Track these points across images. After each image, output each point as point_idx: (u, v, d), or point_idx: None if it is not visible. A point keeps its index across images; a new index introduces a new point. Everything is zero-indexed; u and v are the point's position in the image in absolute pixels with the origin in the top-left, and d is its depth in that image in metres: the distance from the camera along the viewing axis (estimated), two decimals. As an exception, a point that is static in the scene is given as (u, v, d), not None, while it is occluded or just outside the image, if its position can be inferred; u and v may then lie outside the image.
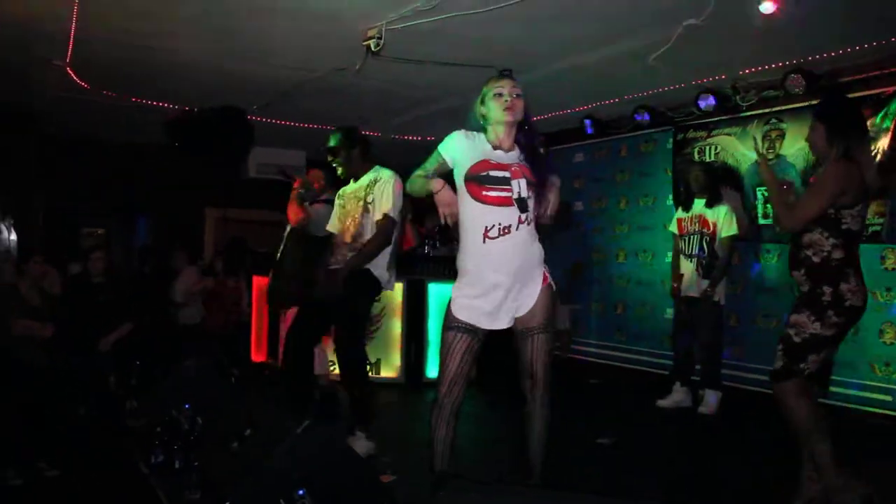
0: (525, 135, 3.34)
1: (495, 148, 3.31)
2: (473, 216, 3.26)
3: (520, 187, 3.22)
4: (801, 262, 3.56)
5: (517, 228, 3.22)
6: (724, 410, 6.07)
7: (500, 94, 3.29)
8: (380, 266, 4.61)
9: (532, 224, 3.28)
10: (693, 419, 6.02)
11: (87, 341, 5.80)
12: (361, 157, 4.82)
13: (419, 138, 9.39)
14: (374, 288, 4.66)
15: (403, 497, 3.10)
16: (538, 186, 3.25)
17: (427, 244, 7.72)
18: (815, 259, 3.49)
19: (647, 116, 7.33)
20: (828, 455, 3.41)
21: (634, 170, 8.06)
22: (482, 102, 3.36)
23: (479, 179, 3.23)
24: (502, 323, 3.31)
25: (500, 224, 3.20)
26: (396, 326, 7.18)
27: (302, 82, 6.84)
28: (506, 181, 3.21)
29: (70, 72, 6.51)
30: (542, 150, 3.32)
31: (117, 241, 10.50)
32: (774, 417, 3.77)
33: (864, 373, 5.74)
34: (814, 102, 5.86)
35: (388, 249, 4.64)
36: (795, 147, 6.25)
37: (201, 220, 10.88)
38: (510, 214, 3.21)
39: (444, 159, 3.32)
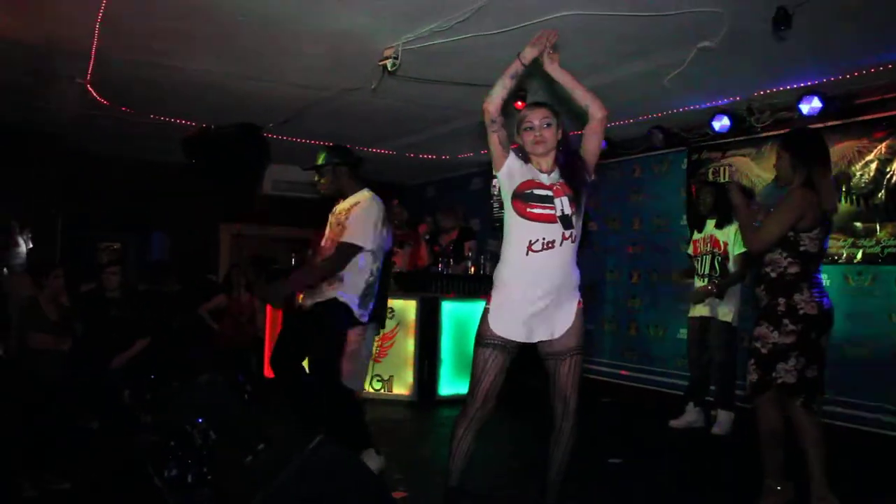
0: (563, 154, 3.39)
1: (540, 171, 3.37)
2: (518, 231, 3.30)
3: (563, 205, 3.26)
4: (760, 278, 3.97)
5: (560, 244, 3.26)
6: (737, 431, 6.04)
7: (531, 128, 3.36)
8: (350, 294, 4.35)
9: (575, 243, 3.32)
10: (706, 440, 6.00)
11: (100, 356, 5.84)
12: (349, 175, 4.69)
13: (433, 157, 9.45)
14: (344, 317, 4.37)
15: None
16: (576, 198, 3.29)
17: (441, 262, 7.75)
18: (773, 275, 3.88)
19: (661, 137, 7.33)
20: (779, 462, 3.92)
21: (648, 190, 8.06)
22: (517, 132, 3.43)
23: (524, 197, 3.28)
24: (537, 336, 3.33)
25: (544, 238, 3.25)
26: (409, 344, 7.18)
27: (318, 101, 6.89)
28: (549, 199, 3.27)
29: (90, 89, 6.59)
30: (579, 164, 3.36)
31: (132, 256, 10.57)
32: (787, 438, 3.80)
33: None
34: (829, 124, 5.94)
35: (364, 279, 4.41)
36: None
37: (216, 236, 10.95)
38: (555, 230, 3.25)
39: (505, 154, 3.35)
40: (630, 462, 5.24)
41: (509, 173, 3.35)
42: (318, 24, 5.06)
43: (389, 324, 7.17)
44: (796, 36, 4.61)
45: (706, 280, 6.17)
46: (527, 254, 3.25)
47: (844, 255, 6.02)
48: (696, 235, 6.38)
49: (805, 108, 5.88)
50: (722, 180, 7.02)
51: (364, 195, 4.59)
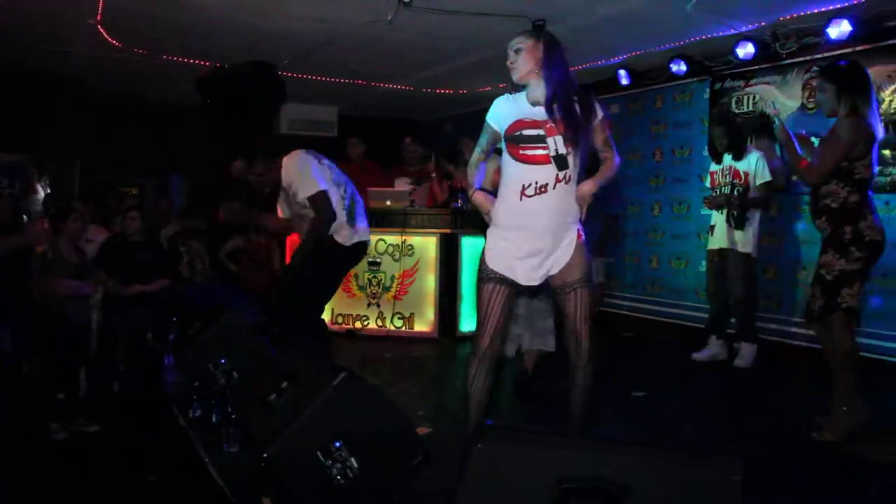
0: (559, 88, 3.23)
1: (532, 104, 3.27)
2: (511, 174, 3.27)
3: (556, 144, 3.18)
4: (821, 210, 4.03)
5: (554, 187, 3.20)
6: (760, 363, 6.03)
7: (508, 54, 3.32)
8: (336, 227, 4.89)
9: (572, 182, 3.25)
10: (729, 372, 5.99)
11: (125, 299, 5.87)
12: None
13: (451, 91, 9.32)
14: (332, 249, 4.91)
15: (440, 449, 3.11)
16: (572, 138, 3.19)
17: (460, 197, 7.69)
18: (834, 205, 3.95)
19: (683, 66, 7.16)
20: (852, 381, 3.97)
21: (670, 121, 7.92)
22: None
23: (515, 139, 3.23)
24: (535, 279, 3.30)
25: (536, 182, 3.19)
26: (430, 281, 7.18)
27: (333, 36, 6.78)
28: (541, 139, 3.19)
29: (102, 30, 6.51)
30: (576, 105, 3.22)
31: (151, 201, 10.57)
32: (811, 370, 3.81)
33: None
34: (858, 49, 5.77)
35: (341, 208, 4.91)
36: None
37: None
38: (548, 173, 3.19)
39: (492, 128, 3.34)
40: (654, 395, 5.24)
41: (496, 118, 3.32)
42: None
43: (409, 261, 7.17)
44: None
45: (723, 213, 6.10)
46: (520, 199, 3.22)
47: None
48: (714, 167, 6.31)
49: (833, 31, 5.69)
50: (745, 110, 6.88)
51: (289, 157, 4.96)
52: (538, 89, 3.25)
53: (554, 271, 3.30)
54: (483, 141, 3.38)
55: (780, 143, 4.35)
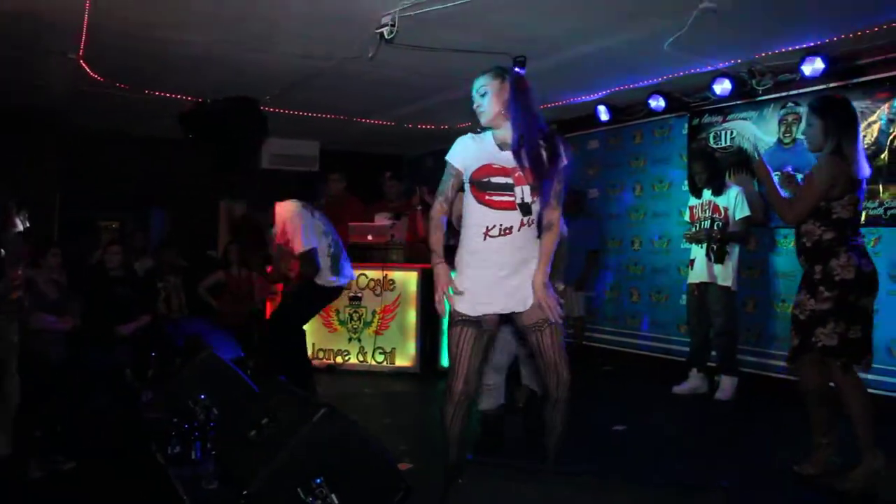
0: (526, 132, 3.20)
1: (500, 147, 3.25)
2: (475, 215, 3.26)
3: (523, 193, 3.18)
4: (799, 249, 4.03)
5: (518, 230, 3.22)
6: (740, 396, 6.05)
7: (473, 97, 3.30)
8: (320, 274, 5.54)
9: (534, 225, 3.27)
10: (709, 405, 6.00)
11: (104, 334, 5.82)
12: None
13: (432, 127, 9.38)
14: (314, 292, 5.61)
15: (421, 485, 3.09)
16: (539, 188, 3.19)
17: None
18: (808, 244, 3.94)
19: (662, 101, 7.25)
20: (823, 419, 4.00)
21: (649, 156, 8.00)
22: None
23: (482, 185, 3.21)
24: (497, 307, 3.30)
25: (501, 225, 3.21)
26: (411, 315, 7.17)
27: (315, 72, 6.82)
28: (509, 187, 3.18)
29: (84, 65, 6.51)
30: (543, 152, 3.19)
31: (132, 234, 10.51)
32: (791, 402, 3.82)
33: (882, 358, 5.67)
34: (831, 85, 5.88)
35: (325, 255, 5.56)
36: (812, 131, 6.18)
37: (216, 213, 10.89)
38: (513, 217, 3.21)
39: (455, 169, 3.30)
40: (634, 429, 5.24)
41: (462, 160, 3.28)
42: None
43: (390, 296, 7.17)
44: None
45: (703, 247, 6.16)
46: (484, 238, 3.23)
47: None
48: (693, 202, 6.39)
49: (807, 69, 5.78)
50: (723, 145, 6.97)
51: (286, 207, 5.63)
52: (506, 132, 3.23)
53: (519, 309, 3.31)
54: (447, 186, 3.32)
55: (759, 179, 4.35)
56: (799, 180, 4.20)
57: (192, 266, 8.69)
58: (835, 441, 4.02)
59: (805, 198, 3.90)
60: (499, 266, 3.24)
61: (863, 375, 4.02)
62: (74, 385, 5.17)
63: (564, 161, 3.24)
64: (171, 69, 6.85)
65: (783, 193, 4.10)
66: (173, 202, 10.20)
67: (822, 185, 3.82)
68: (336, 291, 5.76)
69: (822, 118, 3.95)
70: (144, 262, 8.05)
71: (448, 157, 3.31)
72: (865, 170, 3.92)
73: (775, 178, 4.10)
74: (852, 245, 3.86)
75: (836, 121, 3.91)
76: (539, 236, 3.32)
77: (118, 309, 5.98)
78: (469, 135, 3.34)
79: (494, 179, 3.18)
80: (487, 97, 3.22)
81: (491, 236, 3.21)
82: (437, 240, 3.36)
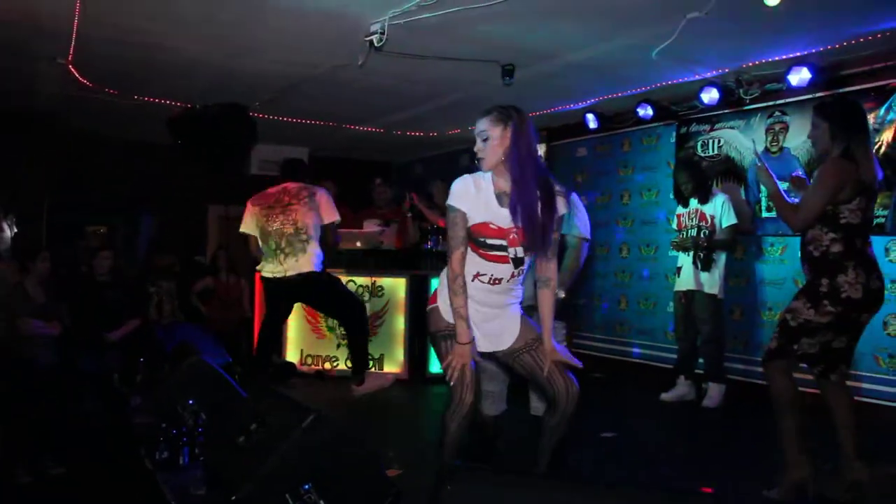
0: (523, 187, 3.13)
1: (499, 198, 3.19)
2: (469, 258, 3.26)
3: (516, 252, 3.22)
4: (805, 257, 3.84)
5: (508, 280, 3.27)
6: (727, 403, 6.08)
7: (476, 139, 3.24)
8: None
9: (525, 273, 3.32)
10: (697, 412, 6.02)
11: (93, 339, 5.80)
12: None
13: (421, 134, 9.40)
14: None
15: (410, 491, 3.10)
16: (530, 254, 3.24)
17: (429, 239, 7.71)
18: (815, 253, 3.75)
19: (650, 110, 7.29)
20: (793, 432, 3.80)
21: (637, 164, 8.05)
22: None
23: (478, 242, 3.22)
24: (484, 347, 3.37)
25: (492, 275, 3.25)
26: (399, 322, 7.17)
27: (304, 79, 6.83)
28: (503, 248, 3.20)
29: (73, 70, 6.50)
30: (538, 211, 3.14)
31: (119, 239, 10.48)
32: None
33: (869, 365, 5.72)
34: (818, 95, 5.92)
35: None
36: (799, 140, 6.23)
37: (204, 218, 10.88)
38: (505, 269, 3.25)
39: (461, 212, 3.20)
40: (623, 435, 5.26)
41: (465, 205, 3.19)
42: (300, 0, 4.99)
43: (379, 302, 7.16)
44: (785, 5, 4.58)
45: (690, 255, 6.20)
46: (472, 280, 3.27)
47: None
48: (680, 210, 6.43)
49: (794, 78, 5.84)
50: (711, 153, 7.02)
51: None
52: (506, 182, 3.18)
53: (501, 347, 3.37)
54: (458, 234, 3.22)
55: (764, 187, 4.07)
56: (809, 184, 4.01)
57: (181, 271, 8.68)
58: (810, 458, 3.82)
59: (811, 202, 3.72)
60: (481, 303, 3.30)
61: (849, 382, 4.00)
62: (63, 390, 5.14)
63: (561, 212, 3.25)
64: (160, 75, 6.85)
65: (791, 199, 3.93)
66: (162, 207, 10.17)
67: (828, 188, 3.66)
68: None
69: (828, 120, 3.79)
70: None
71: (450, 202, 3.20)
72: (877, 173, 3.75)
73: (780, 184, 3.95)
74: (861, 259, 3.68)
75: (845, 123, 3.75)
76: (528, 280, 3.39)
77: (107, 313, 5.96)
78: (469, 178, 3.24)
79: (490, 241, 3.20)
80: (489, 143, 3.15)
81: (480, 281, 3.27)
82: (461, 303, 3.23)
